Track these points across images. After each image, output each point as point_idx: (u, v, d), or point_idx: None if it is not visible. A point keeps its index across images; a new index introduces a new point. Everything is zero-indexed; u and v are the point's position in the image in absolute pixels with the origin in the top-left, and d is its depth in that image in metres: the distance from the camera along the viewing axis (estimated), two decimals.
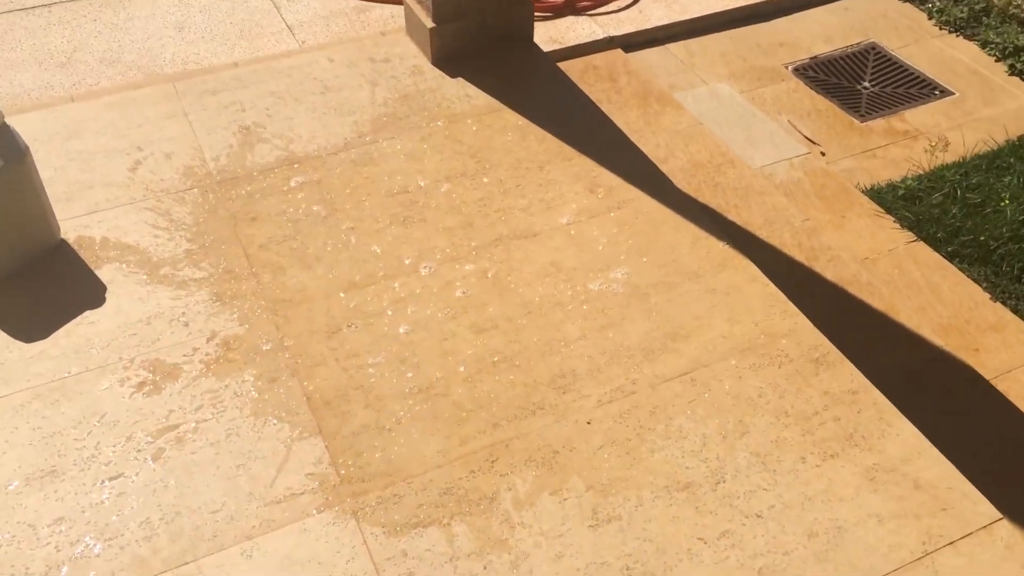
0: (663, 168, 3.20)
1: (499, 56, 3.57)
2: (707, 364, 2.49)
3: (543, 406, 2.39)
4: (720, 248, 2.81)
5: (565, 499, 2.19)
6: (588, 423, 2.35)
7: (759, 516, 2.16)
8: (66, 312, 2.54)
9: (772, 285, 2.70)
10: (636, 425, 2.35)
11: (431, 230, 2.86)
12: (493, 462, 2.27)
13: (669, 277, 2.73)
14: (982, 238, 3.55)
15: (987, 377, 2.99)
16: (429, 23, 3.43)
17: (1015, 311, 3.31)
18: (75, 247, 2.73)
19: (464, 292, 2.68)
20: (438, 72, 3.48)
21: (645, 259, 2.78)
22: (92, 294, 2.60)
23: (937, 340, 3.00)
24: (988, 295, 3.37)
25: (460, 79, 3.45)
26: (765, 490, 2.21)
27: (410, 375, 2.46)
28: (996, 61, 4.66)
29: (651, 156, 3.22)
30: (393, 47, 3.60)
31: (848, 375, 2.46)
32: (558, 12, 4.59)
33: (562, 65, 3.86)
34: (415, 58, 3.55)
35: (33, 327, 2.50)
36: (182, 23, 4.55)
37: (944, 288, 3.38)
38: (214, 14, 4.63)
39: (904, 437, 2.32)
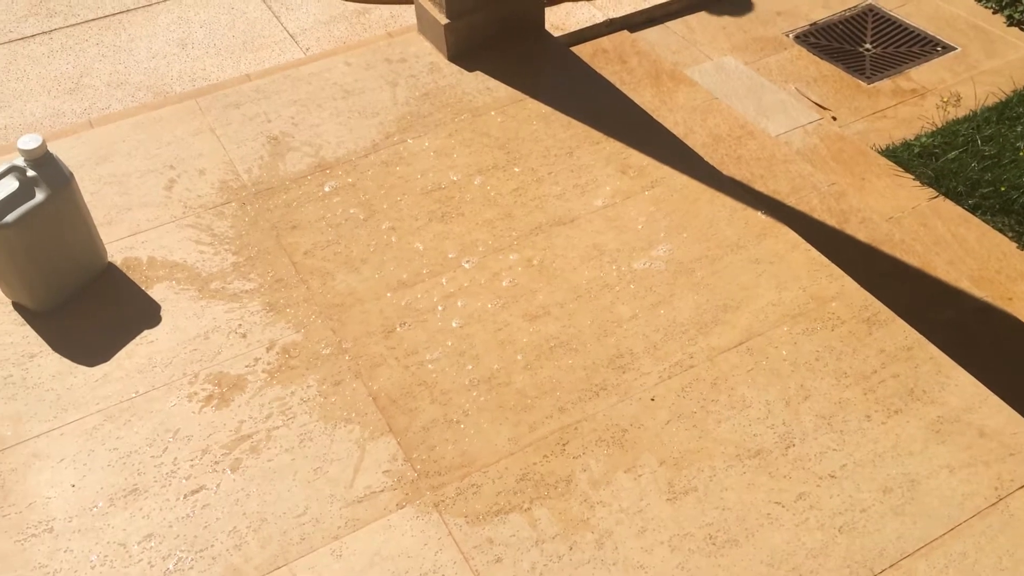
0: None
1: (513, 47, 3.60)
2: (761, 332, 2.53)
3: (605, 387, 2.43)
4: (758, 218, 2.85)
5: (640, 475, 2.23)
6: (652, 400, 2.39)
7: (832, 476, 2.20)
8: (124, 333, 2.57)
9: (814, 250, 2.74)
10: (699, 398, 2.39)
11: (470, 224, 2.89)
12: (564, 445, 2.30)
13: (711, 251, 2.77)
14: (1002, 188, 3.60)
15: None
16: (443, 19, 3.45)
17: None
18: (123, 269, 2.75)
19: (511, 282, 2.71)
20: (455, 68, 3.51)
21: (685, 235, 2.82)
22: (147, 314, 2.62)
23: (977, 292, 3.05)
24: (1015, 244, 3.42)
25: (478, 72, 3.48)
26: (835, 450, 2.25)
27: (470, 367, 2.49)
28: (993, 13, 4.71)
29: None
30: (407, 46, 3.61)
31: (901, 332, 2.50)
32: None
33: (572, 50, 3.88)
34: (430, 55, 3.57)
35: (94, 351, 2.52)
36: (184, 40, 4.55)
37: (971, 240, 3.43)
38: (215, 28, 4.64)
39: (963, 388, 2.37)
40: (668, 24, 4.71)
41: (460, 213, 2.92)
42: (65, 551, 2.11)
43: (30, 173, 2.46)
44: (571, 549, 2.10)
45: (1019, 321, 3.01)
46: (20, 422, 2.36)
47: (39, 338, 2.56)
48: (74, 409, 2.39)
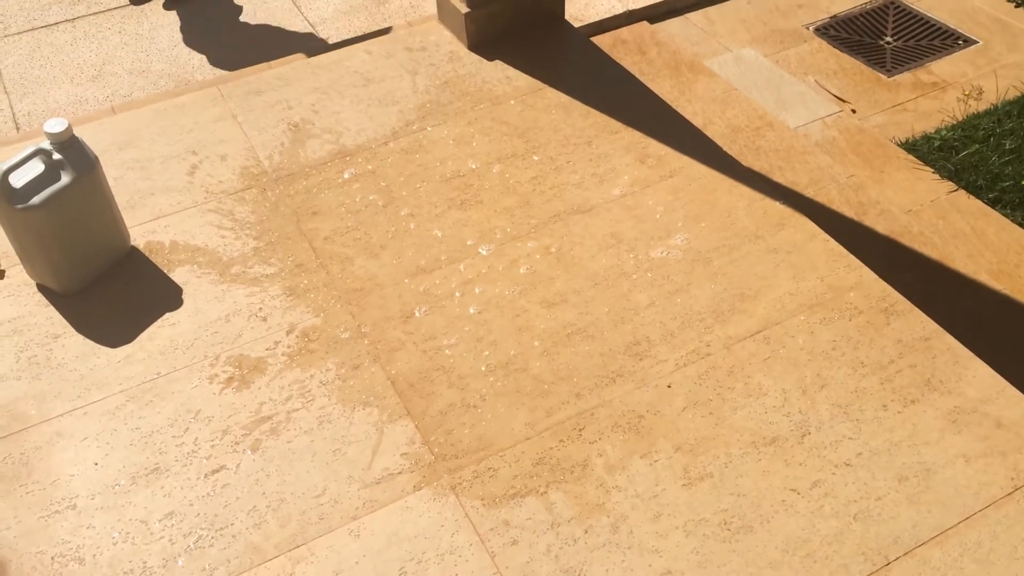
0: None
1: (533, 37, 3.61)
2: (778, 322, 2.54)
3: (622, 373, 2.44)
4: (777, 208, 2.86)
5: (655, 461, 2.25)
6: (668, 387, 2.40)
7: (848, 465, 2.21)
8: (147, 316, 2.60)
9: (832, 241, 2.75)
10: (716, 385, 2.40)
11: (489, 211, 2.90)
12: (581, 430, 2.32)
13: (729, 240, 2.77)
14: (1023, 183, 3.59)
15: None
16: (463, 8, 3.46)
17: None
18: (146, 252, 2.78)
19: (529, 269, 2.72)
20: (475, 57, 3.52)
21: (703, 224, 2.83)
22: (169, 297, 2.65)
23: (996, 285, 3.04)
24: None
25: (498, 62, 3.49)
26: (851, 439, 2.26)
27: (487, 353, 2.51)
28: (1016, 7, 4.68)
29: None
30: (427, 35, 3.63)
31: (919, 322, 2.50)
32: None
33: (592, 41, 3.88)
34: (450, 44, 3.59)
35: (117, 333, 2.56)
36: (207, 28, 4.58)
37: (990, 234, 3.41)
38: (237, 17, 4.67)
39: (981, 378, 2.37)
40: (688, 16, 4.71)
41: (479, 200, 2.94)
42: (88, 527, 2.15)
43: (56, 156, 2.49)
44: (586, 532, 2.12)
45: None
46: (44, 401, 2.40)
47: (63, 319, 2.60)
48: (97, 389, 2.42)
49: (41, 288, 2.68)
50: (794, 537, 2.08)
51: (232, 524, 2.14)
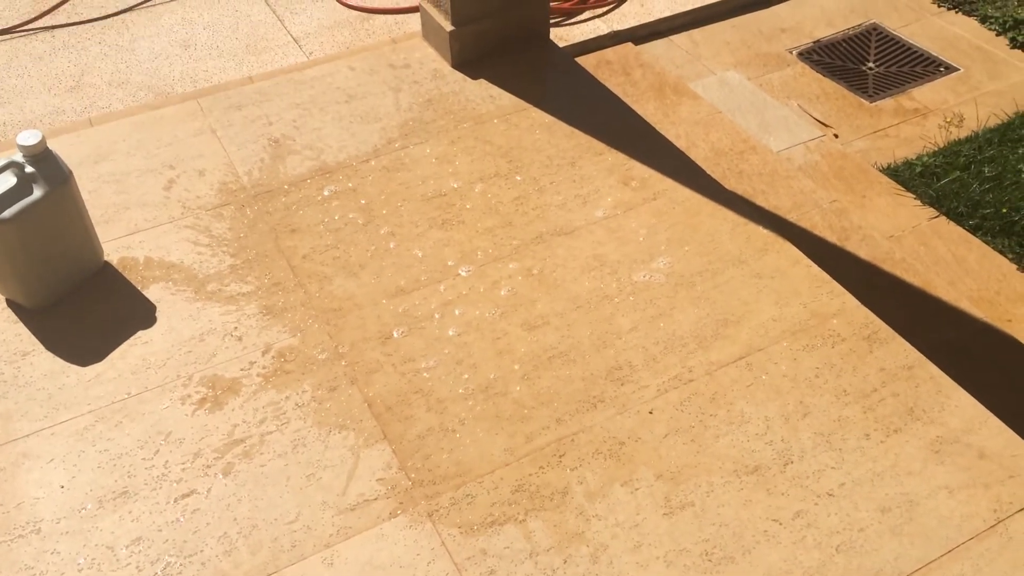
0: None
1: (518, 56, 3.59)
2: (761, 348, 2.51)
3: (603, 399, 2.41)
4: (760, 233, 2.84)
5: (636, 489, 2.21)
6: (650, 413, 2.37)
7: (831, 495, 2.18)
8: (118, 334, 2.54)
9: (815, 266, 2.73)
10: (698, 412, 2.37)
11: (471, 231, 2.87)
12: (561, 457, 2.28)
13: (712, 264, 2.75)
14: (1004, 210, 3.60)
15: None
16: (448, 26, 3.44)
17: None
18: (119, 268, 2.73)
19: (510, 290, 2.69)
20: (459, 75, 3.50)
21: (687, 248, 2.81)
22: (142, 314, 2.60)
23: (976, 312, 3.04)
24: (1015, 266, 3.41)
25: (482, 80, 3.47)
26: (833, 468, 2.23)
27: (467, 376, 2.47)
28: (997, 35, 4.72)
29: None
30: (411, 52, 3.60)
31: (902, 351, 2.49)
32: (569, 15, 4.61)
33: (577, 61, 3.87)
34: (434, 62, 3.56)
35: (87, 351, 2.50)
36: (187, 41, 4.54)
37: (971, 261, 3.42)
38: (219, 30, 4.63)
39: (964, 408, 2.35)
40: (672, 38, 4.71)
41: (460, 220, 2.91)
42: (52, 553, 2.08)
43: (28, 169, 2.44)
44: (565, 563, 2.08)
45: (1019, 343, 2.99)
46: (10, 421, 2.34)
47: (32, 336, 2.54)
48: (65, 409, 2.36)
49: (10, 304, 2.62)
50: (776, 569, 2.05)
51: (202, 551, 2.08)
